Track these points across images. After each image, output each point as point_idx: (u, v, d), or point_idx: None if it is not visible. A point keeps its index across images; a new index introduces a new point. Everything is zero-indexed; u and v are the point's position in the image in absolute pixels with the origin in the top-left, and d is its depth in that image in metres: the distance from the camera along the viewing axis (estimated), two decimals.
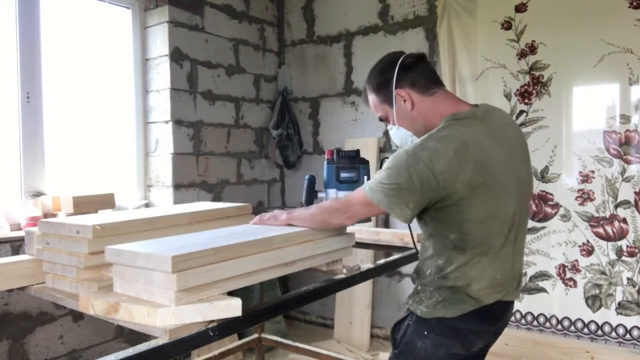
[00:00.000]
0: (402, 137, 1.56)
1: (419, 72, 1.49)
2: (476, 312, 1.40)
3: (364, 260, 3.28)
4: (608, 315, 2.68)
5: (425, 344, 1.42)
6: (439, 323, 1.41)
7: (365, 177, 1.73)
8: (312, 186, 1.73)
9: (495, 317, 1.46)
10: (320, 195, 1.74)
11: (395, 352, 1.51)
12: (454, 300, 1.41)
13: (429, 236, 1.47)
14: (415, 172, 1.30)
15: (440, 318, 1.41)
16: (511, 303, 1.53)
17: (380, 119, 1.60)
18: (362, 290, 3.47)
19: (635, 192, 2.61)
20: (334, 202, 1.53)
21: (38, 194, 2.69)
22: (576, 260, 2.77)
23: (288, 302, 1.56)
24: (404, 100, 1.49)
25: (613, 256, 2.67)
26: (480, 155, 1.34)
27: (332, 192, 1.72)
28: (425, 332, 1.42)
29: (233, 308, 1.21)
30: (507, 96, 2.93)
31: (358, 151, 1.76)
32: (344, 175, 1.71)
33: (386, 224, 3.51)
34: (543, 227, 2.86)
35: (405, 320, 1.49)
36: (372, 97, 1.56)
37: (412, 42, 3.34)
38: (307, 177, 1.75)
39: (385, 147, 3.50)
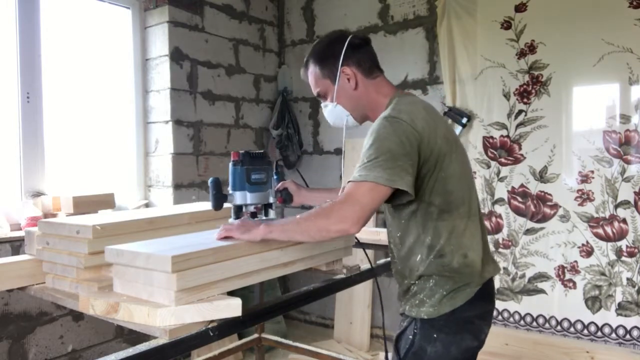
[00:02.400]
0: (337, 115, 1.53)
1: (365, 54, 1.50)
2: (479, 293, 1.40)
3: (364, 260, 3.28)
4: (608, 316, 2.68)
5: (435, 347, 1.37)
6: (447, 319, 1.37)
7: (272, 179, 1.66)
8: (219, 189, 1.58)
9: (491, 294, 1.49)
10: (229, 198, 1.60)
11: None
12: (458, 288, 1.38)
13: (412, 214, 1.39)
14: (402, 134, 1.29)
15: (448, 313, 1.36)
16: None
17: (318, 95, 1.56)
18: (362, 290, 3.47)
19: (635, 192, 2.61)
20: (327, 207, 1.29)
21: (38, 194, 2.69)
22: (575, 262, 2.76)
23: (288, 302, 1.56)
24: (348, 79, 1.47)
25: (613, 257, 2.67)
26: (442, 116, 1.46)
27: (239, 195, 1.59)
28: (435, 335, 1.37)
29: (233, 308, 1.22)
30: (506, 96, 2.93)
31: (265, 152, 1.69)
32: (255, 177, 1.60)
33: (385, 224, 3.51)
34: (542, 228, 2.85)
35: (408, 329, 1.41)
36: (314, 70, 1.52)
37: (412, 42, 3.34)
38: (211, 180, 1.60)
39: None
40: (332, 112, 1.54)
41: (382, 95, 1.48)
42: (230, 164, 1.62)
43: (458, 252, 1.39)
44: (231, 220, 1.58)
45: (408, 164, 1.28)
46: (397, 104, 1.40)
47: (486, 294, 1.44)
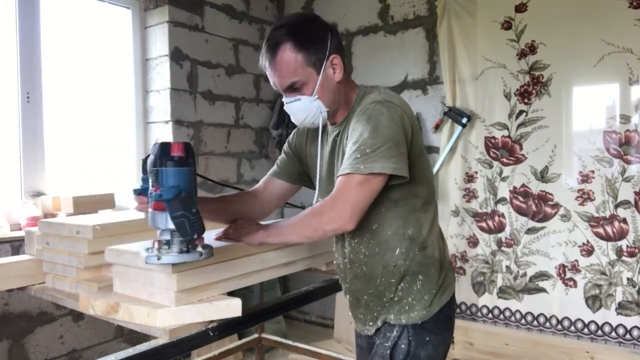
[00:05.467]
0: (311, 111, 1.32)
1: (342, 43, 1.37)
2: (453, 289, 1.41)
3: None
4: (608, 315, 2.68)
5: (427, 350, 1.32)
6: (436, 319, 1.32)
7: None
8: (187, 198, 1.05)
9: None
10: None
11: None
12: (442, 285, 1.35)
13: (393, 203, 1.29)
14: (399, 119, 1.22)
15: (437, 313, 1.32)
16: None
17: (289, 87, 1.30)
18: None
19: (635, 192, 2.61)
20: (319, 206, 1.22)
21: (38, 194, 2.69)
22: (576, 261, 2.76)
23: (288, 302, 1.56)
24: (334, 69, 1.31)
25: (613, 256, 2.67)
26: None
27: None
28: (427, 338, 1.32)
29: (233, 308, 1.22)
30: (507, 96, 2.93)
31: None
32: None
33: None
34: (543, 227, 2.85)
35: (401, 339, 1.32)
36: (294, 56, 1.26)
37: (412, 42, 3.33)
38: (171, 188, 1.03)
39: None
40: (306, 107, 1.31)
41: (351, 90, 1.38)
42: (172, 164, 1.07)
43: (437, 245, 1.36)
44: (147, 254, 1.12)
45: (406, 150, 1.22)
46: (381, 91, 1.32)
47: (455, 290, 1.43)
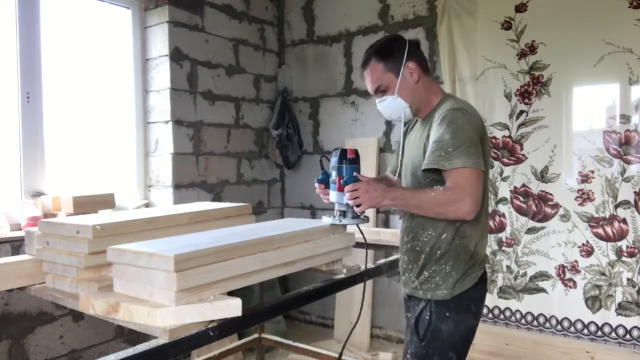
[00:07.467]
0: (396, 107, 1.65)
1: (422, 54, 1.70)
2: (480, 278, 1.59)
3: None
4: (608, 316, 2.68)
5: (447, 325, 1.54)
6: (456, 300, 1.55)
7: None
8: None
9: (486, 279, 1.66)
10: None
11: (422, 344, 1.57)
12: (466, 273, 1.56)
13: None
14: (474, 125, 1.50)
15: (458, 295, 1.54)
16: None
17: (377, 90, 1.65)
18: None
19: (635, 192, 2.61)
20: (454, 197, 1.44)
21: (38, 194, 2.69)
22: (576, 261, 2.76)
23: (288, 302, 1.56)
24: (411, 73, 1.63)
25: (613, 257, 2.67)
26: None
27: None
28: (447, 314, 1.55)
29: (233, 308, 1.22)
30: (507, 96, 2.93)
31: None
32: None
33: (386, 224, 3.51)
34: (543, 227, 2.85)
35: (424, 311, 1.58)
36: (377, 66, 1.63)
37: None
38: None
39: (385, 147, 3.50)
40: (391, 104, 1.65)
41: (433, 93, 1.68)
42: (347, 161, 1.61)
43: (474, 238, 1.57)
44: (332, 220, 1.67)
45: (480, 148, 1.48)
46: (458, 100, 1.61)
47: (484, 280, 1.64)
